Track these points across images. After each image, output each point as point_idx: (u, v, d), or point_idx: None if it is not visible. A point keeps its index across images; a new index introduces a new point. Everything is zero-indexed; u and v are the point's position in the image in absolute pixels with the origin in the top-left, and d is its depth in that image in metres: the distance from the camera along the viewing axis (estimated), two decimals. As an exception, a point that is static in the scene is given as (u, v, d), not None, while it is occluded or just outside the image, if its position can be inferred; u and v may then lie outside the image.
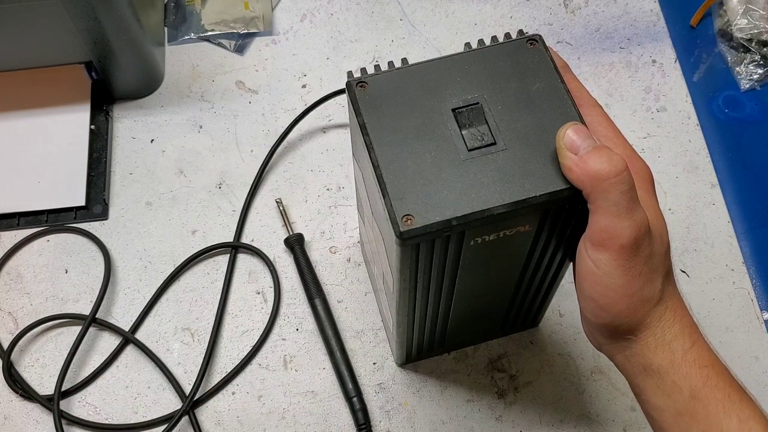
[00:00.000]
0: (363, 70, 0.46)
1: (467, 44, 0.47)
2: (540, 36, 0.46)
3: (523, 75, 0.45)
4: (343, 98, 0.74)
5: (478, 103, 0.44)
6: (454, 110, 0.43)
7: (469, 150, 0.42)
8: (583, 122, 0.43)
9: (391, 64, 0.46)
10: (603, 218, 0.40)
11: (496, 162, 0.42)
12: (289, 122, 0.72)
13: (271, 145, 0.71)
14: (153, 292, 0.66)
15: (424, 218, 0.41)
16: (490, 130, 0.43)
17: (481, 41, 0.47)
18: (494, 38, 0.47)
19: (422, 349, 0.60)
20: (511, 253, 0.47)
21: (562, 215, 0.44)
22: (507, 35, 0.47)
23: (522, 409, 0.61)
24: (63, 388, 0.62)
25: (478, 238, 0.43)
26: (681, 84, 0.75)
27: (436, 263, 0.45)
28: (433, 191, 0.41)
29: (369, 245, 0.58)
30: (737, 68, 0.75)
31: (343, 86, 0.73)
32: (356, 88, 0.44)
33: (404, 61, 0.46)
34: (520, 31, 0.47)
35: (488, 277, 0.50)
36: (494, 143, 0.43)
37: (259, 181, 0.70)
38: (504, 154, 0.42)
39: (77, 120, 0.72)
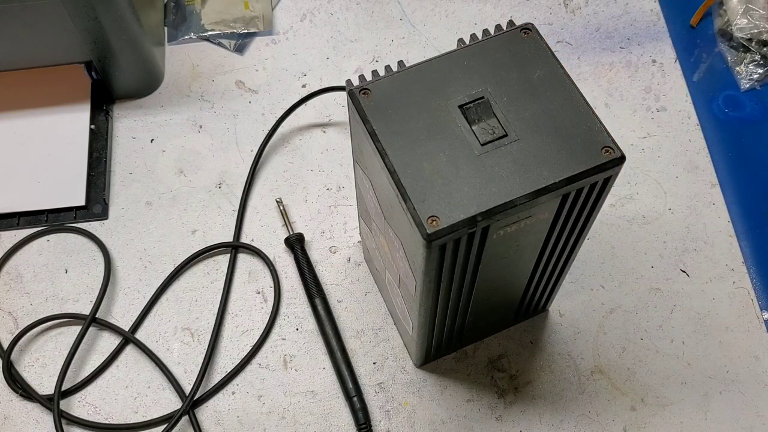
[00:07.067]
0: (362, 77, 0.46)
1: (460, 40, 0.47)
2: (532, 24, 0.46)
3: (523, 64, 0.45)
4: (343, 98, 0.74)
5: (483, 97, 0.44)
6: (461, 107, 0.44)
7: (482, 144, 0.43)
8: (588, 105, 0.43)
9: (388, 68, 0.46)
10: None
11: (511, 153, 0.42)
12: (289, 121, 0.72)
13: (268, 143, 0.71)
14: (153, 292, 0.66)
15: (449, 218, 0.41)
16: (499, 122, 0.43)
17: (473, 36, 0.47)
18: (486, 31, 0.47)
19: (441, 347, 0.60)
20: (530, 240, 0.48)
21: (580, 197, 0.44)
22: (498, 27, 0.47)
23: (522, 409, 0.61)
24: (63, 388, 0.62)
25: (500, 231, 0.44)
26: (681, 84, 0.75)
27: (461, 260, 0.45)
28: (454, 189, 0.42)
29: (377, 251, 0.57)
30: (737, 68, 0.75)
31: (340, 83, 0.74)
32: (360, 95, 0.44)
33: (401, 63, 0.46)
34: (511, 22, 0.47)
35: (508, 268, 0.50)
36: (506, 135, 0.43)
37: (254, 176, 0.70)
38: (517, 144, 0.43)
39: (77, 120, 0.72)
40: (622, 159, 0.43)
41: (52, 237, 0.69)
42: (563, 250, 0.51)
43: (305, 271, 0.65)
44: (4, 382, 0.63)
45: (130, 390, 0.63)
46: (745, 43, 0.75)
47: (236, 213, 0.69)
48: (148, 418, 0.61)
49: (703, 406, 0.61)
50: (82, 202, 0.69)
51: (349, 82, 0.46)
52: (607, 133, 0.43)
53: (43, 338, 0.65)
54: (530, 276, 0.54)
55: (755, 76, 0.75)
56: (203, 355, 0.63)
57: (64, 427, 0.61)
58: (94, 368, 0.63)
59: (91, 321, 0.64)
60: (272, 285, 0.66)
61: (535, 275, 0.54)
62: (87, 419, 0.62)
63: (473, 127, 0.43)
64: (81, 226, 0.69)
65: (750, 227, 0.68)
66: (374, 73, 0.46)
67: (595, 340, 0.64)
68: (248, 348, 0.64)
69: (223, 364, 0.64)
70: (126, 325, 0.65)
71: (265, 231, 0.69)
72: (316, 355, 0.64)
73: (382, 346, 0.64)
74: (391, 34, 0.78)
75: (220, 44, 0.77)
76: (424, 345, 0.57)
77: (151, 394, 0.63)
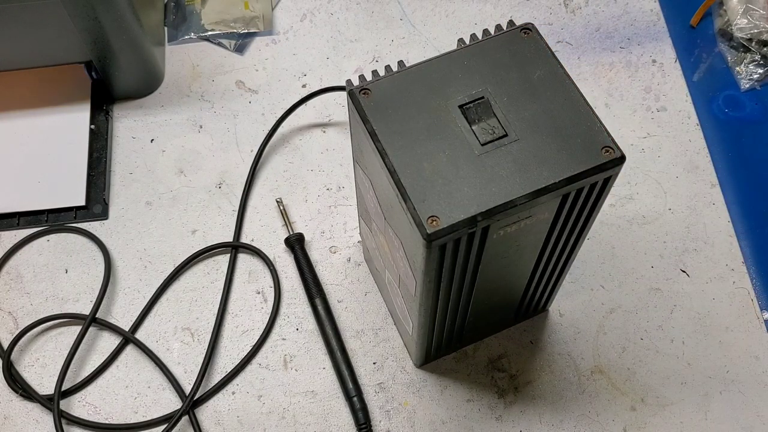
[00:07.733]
0: (362, 77, 0.46)
1: (460, 40, 0.47)
2: (533, 24, 0.46)
3: (523, 64, 0.45)
4: (343, 98, 0.74)
5: (483, 97, 0.44)
6: (461, 107, 0.44)
7: (482, 144, 0.43)
8: (588, 105, 0.43)
9: (388, 68, 0.46)
10: None
11: (511, 153, 0.43)
12: (289, 121, 0.72)
13: (268, 143, 0.71)
14: (153, 292, 0.66)
15: (449, 218, 0.41)
16: (499, 122, 0.43)
17: (473, 36, 0.47)
18: (486, 31, 0.47)
19: (441, 347, 0.60)
20: (530, 240, 0.48)
21: (580, 197, 0.44)
22: (498, 27, 0.47)
23: (522, 409, 0.61)
24: (63, 388, 0.62)
25: (500, 231, 0.44)
26: (681, 84, 0.75)
27: (461, 260, 0.45)
28: (454, 189, 0.42)
29: (377, 251, 0.57)
30: (737, 68, 0.75)
31: (340, 83, 0.74)
32: (360, 95, 0.44)
33: (401, 63, 0.46)
34: (511, 22, 0.47)
35: (508, 268, 0.50)
36: (506, 135, 0.43)
37: (254, 176, 0.71)
38: (517, 144, 0.43)
39: (77, 120, 0.72)
40: (622, 159, 0.43)
41: (52, 237, 0.69)
42: (563, 250, 0.51)
43: (305, 271, 0.65)
44: (4, 382, 0.63)
45: (130, 390, 0.63)
46: (745, 43, 0.75)
47: (236, 213, 0.69)
48: (148, 418, 0.61)
49: (703, 406, 0.61)
50: (82, 202, 0.69)
51: (349, 82, 0.46)
52: (607, 133, 0.43)
53: (43, 338, 0.65)
54: (530, 276, 0.54)
55: (755, 76, 0.75)
56: (203, 355, 0.63)
57: (64, 427, 0.61)
58: (94, 368, 0.63)
59: (91, 321, 0.64)
60: (272, 285, 0.66)
61: (535, 275, 0.54)
62: (87, 419, 0.62)
63: (473, 127, 0.43)
64: (81, 226, 0.69)
65: (750, 227, 0.68)
66: (374, 73, 0.46)
67: (595, 340, 0.64)
68: (248, 348, 0.64)
69: (223, 364, 0.64)
70: (126, 325, 0.65)
71: (265, 231, 0.69)
72: (316, 355, 0.64)
73: (382, 346, 0.64)
74: (391, 34, 0.78)
75: (220, 44, 0.77)
76: (424, 345, 0.57)
77: (151, 394, 0.63)
